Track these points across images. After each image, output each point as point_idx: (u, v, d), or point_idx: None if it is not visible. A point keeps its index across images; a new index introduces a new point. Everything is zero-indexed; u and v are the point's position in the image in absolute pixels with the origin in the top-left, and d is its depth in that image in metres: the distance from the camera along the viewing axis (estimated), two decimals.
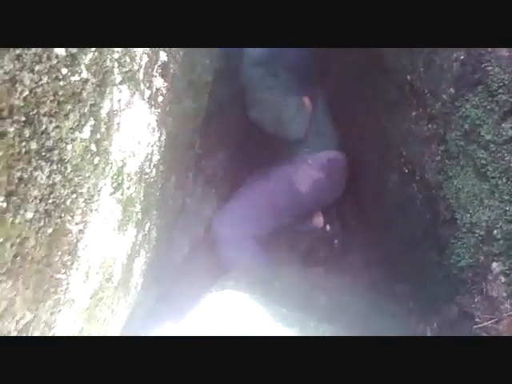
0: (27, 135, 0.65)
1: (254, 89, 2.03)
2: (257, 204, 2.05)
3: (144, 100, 1.07)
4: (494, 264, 1.34)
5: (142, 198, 1.22)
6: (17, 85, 0.60)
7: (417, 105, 1.55)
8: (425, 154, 1.54)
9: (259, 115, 2.05)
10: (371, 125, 1.92)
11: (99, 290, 1.09)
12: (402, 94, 1.63)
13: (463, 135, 1.35)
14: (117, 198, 1.04)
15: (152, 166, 1.23)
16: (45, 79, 0.65)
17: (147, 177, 1.22)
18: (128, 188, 1.09)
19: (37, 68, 0.63)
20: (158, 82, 1.15)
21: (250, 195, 2.09)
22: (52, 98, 0.69)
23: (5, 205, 0.65)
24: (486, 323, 1.36)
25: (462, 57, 1.32)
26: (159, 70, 1.14)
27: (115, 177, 1.01)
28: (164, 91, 1.19)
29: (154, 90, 1.13)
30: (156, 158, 1.25)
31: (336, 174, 2.18)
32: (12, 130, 0.61)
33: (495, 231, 1.32)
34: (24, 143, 0.65)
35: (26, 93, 0.63)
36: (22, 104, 0.62)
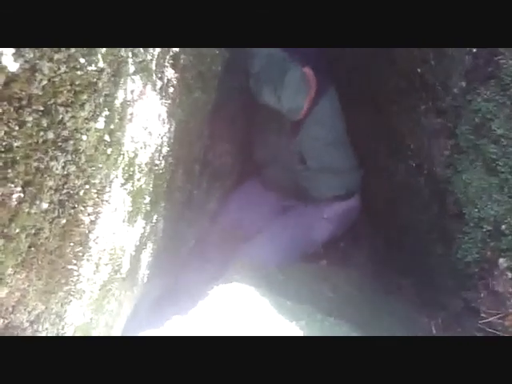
0: (45, 125, 0.64)
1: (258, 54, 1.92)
2: (275, 248, 2.13)
3: (156, 91, 1.06)
4: (501, 259, 1.34)
5: (151, 190, 1.21)
6: (36, 74, 0.60)
7: (426, 98, 1.54)
8: (433, 148, 1.54)
9: (259, 75, 1.91)
10: (380, 117, 1.92)
11: (108, 282, 1.09)
12: (411, 87, 1.62)
13: (473, 129, 1.35)
14: (127, 189, 1.04)
15: (161, 158, 1.23)
16: (63, 68, 0.65)
17: (157, 168, 1.21)
18: (138, 179, 1.09)
19: (56, 57, 0.62)
20: (169, 73, 1.14)
21: (271, 240, 2.17)
22: (69, 87, 0.68)
23: (22, 195, 0.65)
24: (491, 318, 1.36)
25: (474, 49, 1.31)
26: (170, 61, 1.13)
27: (126, 168, 1.00)
28: (175, 82, 1.18)
29: (166, 80, 1.12)
30: (165, 149, 1.24)
31: (348, 222, 2.24)
32: (31, 119, 0.61)
33: (503, 226, 1.32)
34: (42, 133, 0.64)
35: (45, 82, 0.62)
36: (41, 93, 0.62)
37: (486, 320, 1.36)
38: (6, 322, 0.75)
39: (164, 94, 1.13)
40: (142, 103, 0.99)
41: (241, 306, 1.31)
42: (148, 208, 1.23)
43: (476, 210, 1.38)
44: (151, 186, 1.21)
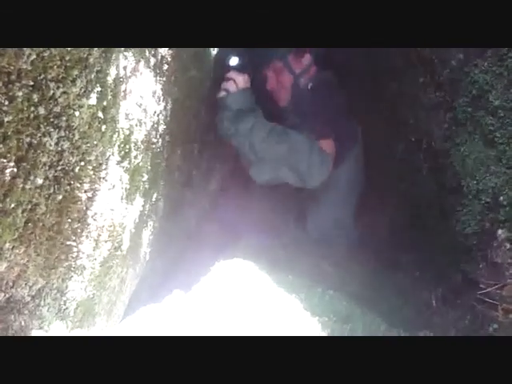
0: (35, 100, 0.65)
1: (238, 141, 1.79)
2: None
3: (149, 68, 1.06)
4: (500, 231, 1.35)
5: (149, 168, 1.22)
6: (24, 48, 0.60)
7: (424, 72, 1.53)
8: (432, 122, 1.54)
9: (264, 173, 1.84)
10: (379, 93, 1.91)
11: (108, 258, 1.10)
12: (408, 62, 1.61)
13: (471, 101, 1.34)
14: (124, 166, 1.05)
15: (158, 136, 1.23)
16: None
17: (154, 146, 1.22)
18: (135, 157, 1.10)
19: None
20: (163, 50, 1.14)
21: None
22: (59, 62, 0.68)
23: (15, 170, 0.66)
24: (489, 289, 1.37)
25: None
26: None
27: (122, 145, 1.01)
28: (169, 59, 1.18)
29: (159, 57, 1.13)
30: (162, 127, 1.25)
31: None
32: (20, 94, 0.62)
33: (501, 198, 1.32)
34: (32, 108, 0.65)
35: (34, 57, 0.62)
36: (30, 68, 0.62)
37: (485, 291, 1.37)
38: (8, 296, 0.77)
39: (158, 71, 1.13)
40: (135, 80, 1.00)
41: (241, 281, 1.33)
42: (147, 186, 1.25)
43: (474, 182, 1.38)
44: (149, 164, 1.22)
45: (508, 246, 1.33)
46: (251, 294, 1.27)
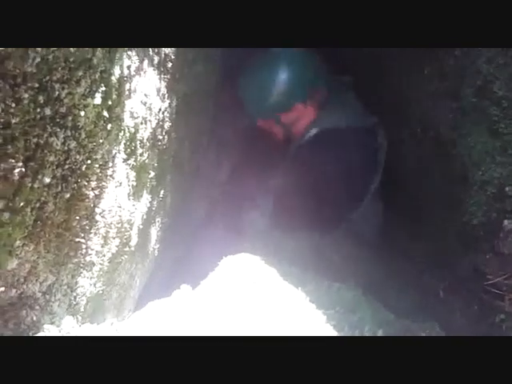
0: (41, 101, 0.67)
1: None
2: None
3: (153, 66, 1.07)
4: (506, 221, 1.35)
5: (156, 165, 1.24)
6: (29, 51, 0.62)
7: (429, 61, 1.53)
8: (438, 112, 1.53)
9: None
10: (385, 85, 1.90)
11: (117, 254, 1.12)
12: (413, 51, 1.61)
13: (476, 91, 1.34)
14: (131, 164, 1.06)
15: (164, 133, 1.25)
16: None
17: (160, 144, 1.23)
18: (141, 154, 1.11)
19: None
20: (167, 48, 1.15)
21: None
22: (63, 64, 0.70)
23: (23, 170, 0.67)
24: (496, 279, 1.37)
25: None
26: None
27: (128, 143, 1.02)
28: (173, 57, 1.19)
29: (163, 55, 1.14)
30: (167, 124, 1.26)
31: None
32: (27, 96, 0.63)
33: (507, 188, 1.32)
34: (39, 109, 0.67)
35: (38, 59, 0.64)
36: (35, 71, 0.64)
37: (492, 281, 1.37)
38: (19, 292, 0.79)
39: (162, 69, 1.14)
40: (139, 79, 1.01)
41: (248, 274, 1.35)
42: (154, 183, 1.26)
43: (480, 172, 1.38)
44: (155, 161, 1.23)
45: None
46: (258, 288, 1.28)
